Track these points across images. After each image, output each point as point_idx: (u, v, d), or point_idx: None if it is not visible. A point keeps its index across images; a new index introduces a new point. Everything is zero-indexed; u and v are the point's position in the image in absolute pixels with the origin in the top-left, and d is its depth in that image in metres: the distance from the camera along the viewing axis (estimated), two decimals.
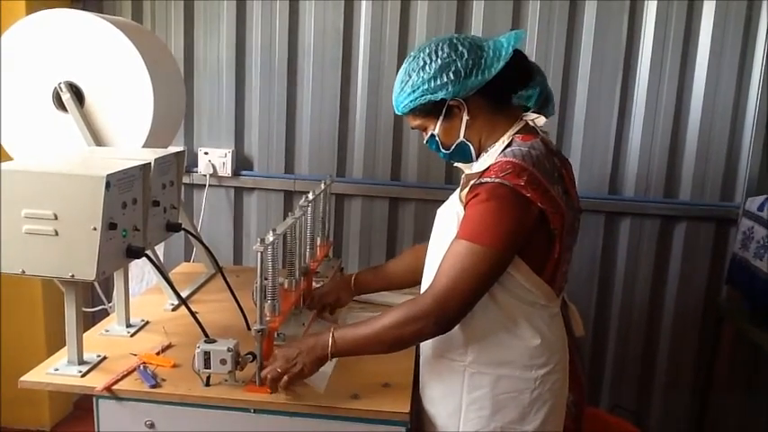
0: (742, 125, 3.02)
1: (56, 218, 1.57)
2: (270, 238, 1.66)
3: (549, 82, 1.72)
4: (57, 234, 1.58)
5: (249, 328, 1.74)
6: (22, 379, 1.69)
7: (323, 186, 2.33)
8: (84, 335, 1.83)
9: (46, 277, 1.67)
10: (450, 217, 1.64)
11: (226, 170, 3.26)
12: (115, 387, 1.66)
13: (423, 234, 2.79)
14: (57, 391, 1.74)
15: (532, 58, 2.98)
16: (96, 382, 1.67)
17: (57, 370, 1.72)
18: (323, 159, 3.24)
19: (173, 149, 2.06)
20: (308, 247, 2.13)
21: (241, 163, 3.31)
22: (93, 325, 2.08)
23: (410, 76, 1.63)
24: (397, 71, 3.12)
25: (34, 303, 3.11)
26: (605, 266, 3.19)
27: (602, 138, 3.08)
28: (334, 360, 1.82)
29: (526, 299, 1.59)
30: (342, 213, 3.28)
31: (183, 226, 2.04)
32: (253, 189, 3.32)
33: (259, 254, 1.62)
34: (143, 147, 2.24)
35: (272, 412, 1.63)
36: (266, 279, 1.68)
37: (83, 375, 1.71)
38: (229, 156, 3.25)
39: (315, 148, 3.24)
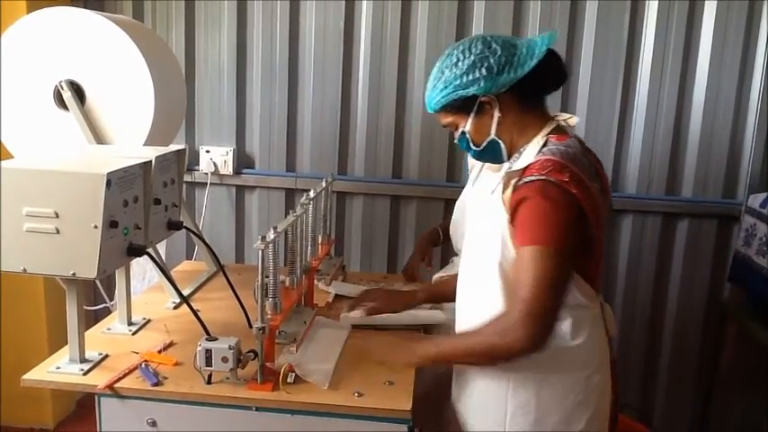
0: (744, 122, 3.02)
1: (57, 216, 1.57)
2: (271, 235, 1.66)
3: None
4: (58, 232, 1.57)
5: (251, 326, 1.74)
6: (24, 377, 1.69)
7: (324, 184, 2.32)
8: (86, 333, 1.83)
9: (47, 275, 1.67)
10: (490, 219, 1.60)
11: (227, 168, 3.26)
12: (117, 385, 1.65)
13: (424, 231, 2.80)
14: (59, 390, 1.74)
15: None
16: (98, 380, 1.66)
17: (59, 368, 1.72)
18: (324, 157, 3.24)
19: (174, 147, 2.06)
20: (309, 245, 2.13)
21: (242, 161, 3.31)
22: (95, 323, 2.08)
23: (443, 73, 1.63)
24: (398, 69, 3.17)
25: (36, 302, 3.11)
26: (607, 264, 3.18)
27: (605, 135, 3.08)
28: (336, 357, 1.83)
29: (569, 301, 1.55)
30: (343, 211, 3.28)
31: (184, 224, 2.04)
32: (254, 187, 3.32)
33: (260, 252, 1.62)
34: (144, 145, 2.24)
35: (274, 410, 1.63)
36: (267, 277, 1.67)
37: (85, 374, 1.71)
38: (231, 154, 3.25)
39: (316, 146, 3.24)
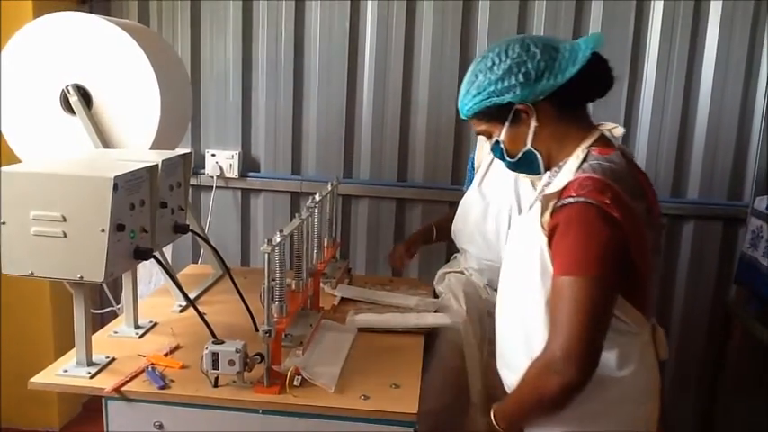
0: (750, 124, 3.02)
1: (64, 220, 1.57)
2: (277, 239, 1.66)
3: None
4: (65, 236, 1.58)
5: (257, 330, 1.74)
6: (31, 380, 1.70)
7: (329, 188, 2.33)
8: (93, 336, 1.83)
9: (54, 279, 1.68)
10: (528, 244, 1.49)
11: (233, 172, 3.27)
12: (124, 388, 1.66)
13: None
14: (66, 393, 1.74)
15: None
16: (105, 383, 1.67)
17: (66, 371, 1.73)
18: (330, 161, 3.24)
19: (180, 151, 2.06)
20: (315, 248, 2.13)
21: (248, 164, 3.31)
22: (102, 326, 2.08)
23: (477, 77, 1.53)
24: (404, 72, 3.18)
25: (43, 305, 3.12)
26: None
27: None
28: (343, 360, 1.83)
29: (616, 327, 1.44)
30: (349, 214, 3.28)
31: (190, 227, 2.04)
32: (260, 191, 3.32)
33: (266, 255, 1.62)
34: (150, 149, 2.25)
35: (280, 413, 1.63)
36: (274, 280, 1.68)
37: (92, 377, 1.71)
38: (236, 157, 3.26)
39: (321, 149, 3.25)
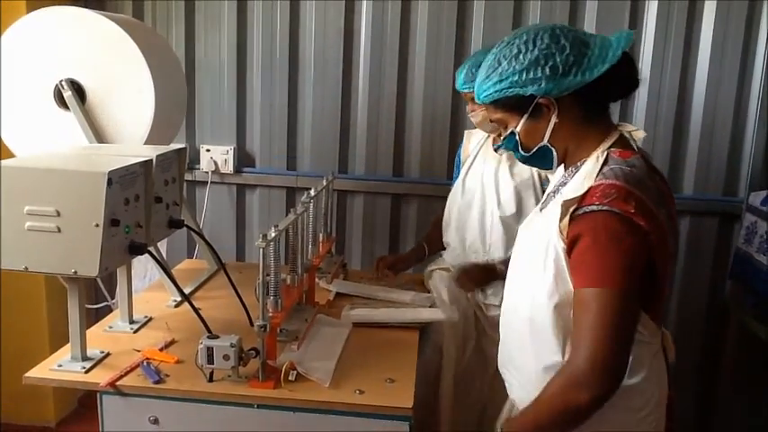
0: (744, 120, 3.02)
1: (58, 214, 1.57)
2: (272, 233, 1.66)
3: None
4: (59, 231, 1.58)
5: (252, 324, 1.74)
6: (26, 375, 1.70)
7: (325, 183, 2.33)
8: (88, 331, 1.84)
9: (49, 274, 1.67)
10: (542, 247, 1.43)
11: (228, 167, 3.26)
12: (119, 383, 1.66)
13: (425, 230, 2.81)
14: (61, 388, 1.74)
15: None
16: (100, 378, 1.67)
17: (60, 366, 1.73)
18: (325, 156, 3.24)
19: (174, 146, 2.06)
20: (310, 243, 2.13)
21: (243, 160, 3.31)
22: (97, 321, 2.08)
23: (500, 63, 1.44)
24: (399, 68, 3.17)
25: (37, 300, 3.11)
26: None
27: None
28: (338, 355, 1.83)
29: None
30: (344, 210, 3.29)
31: (185, 222, 2.04)
32: (255, 186, 3.32)
33: (261, 249, 1.62)
34: (145, 144, 2.24)
35: (275, 407, 1.63)
36: (269, 275, 1.68)
37: (86, 371, 1.71)
38: (231, 153, 3.25)
39: (317, 144, 3.24)
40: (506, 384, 1.62)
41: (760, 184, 2.92)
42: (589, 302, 1.32)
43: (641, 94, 3.04)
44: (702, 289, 3.16)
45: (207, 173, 3.27)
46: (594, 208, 1.32)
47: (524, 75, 1.41)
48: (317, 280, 2.26)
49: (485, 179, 2.37)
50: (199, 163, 3.28)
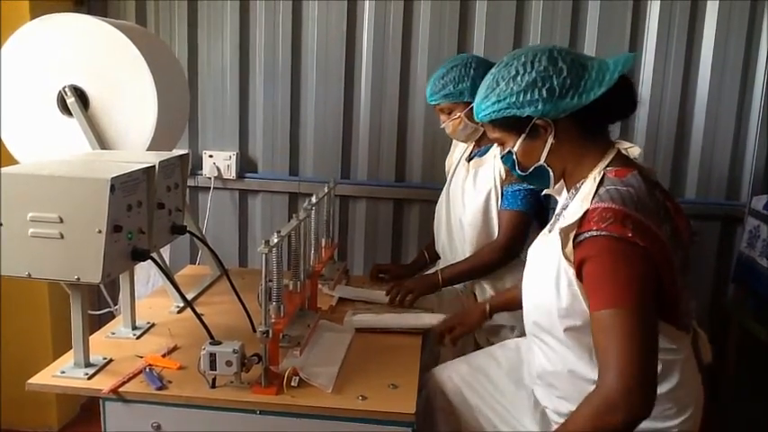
0: (747, 123, 3.02)
1: (61, 221, 1.57)
2: (275, 239, 1.66)
3: None
4: (62, 237, 1.58)
5: (254, 330, 1.74)
6: (29, 382, 1.69)
7: (327, 189, 2.33)
8: (91, 337, 1.83)
9: (52, 280, 1.67)
10: (550, 272, 1.47)
11: (230, 173, 3.27)
12: (121, 389, 1.66)
13: (427, 235, 2.81)
14: (63, 394, 1.74)
15: None
16: (103, 384, 1.67)
17: (63, 372, 1.72)
18: (327, 161, 3.25)
19: (177, 152, 2.06)
20: (312, 248, 2.13)
21: (245, 165, 3.31)
22: (100, 327, 2.08)
23: (498, 84, 1.48)
24: (401, 72, 3.18)
25: (40, 306, 3.11)
26: None
27: None
28: (340, 360, 1.83)
29: None
30: (346, 215, 3.29)
31: (188, 228, 2.04)
32: (257, 191, 3.32)
33: (264, 256, 1.62)
34: (147, 150, 2.25)
35: (278, 414, 1.63)
36: (271, 281, 1.68)
37: (89, 378, 1.71)
38: (234, 158, 3.25)
39: (319, 150, 3.25)
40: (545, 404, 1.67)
41: (763, 188, 2.91)
42: (608, 324, 1.33)
43: (643, 98, 3.03)
44: (705, 293, 3.15)
45: (209, 178, 3.27)
46: (594, 233, 1.35)
47: (522, 96, 1.44)
48: (319, 286, 2.26)
49: (453, 188, 2.44)
50: (201, 169, 3.28)
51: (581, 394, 1.41)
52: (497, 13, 3.04)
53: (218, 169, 3.26)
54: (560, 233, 1.43)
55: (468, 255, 2.35)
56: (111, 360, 1.81)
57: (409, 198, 3.23)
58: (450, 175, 2.50)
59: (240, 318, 1.93)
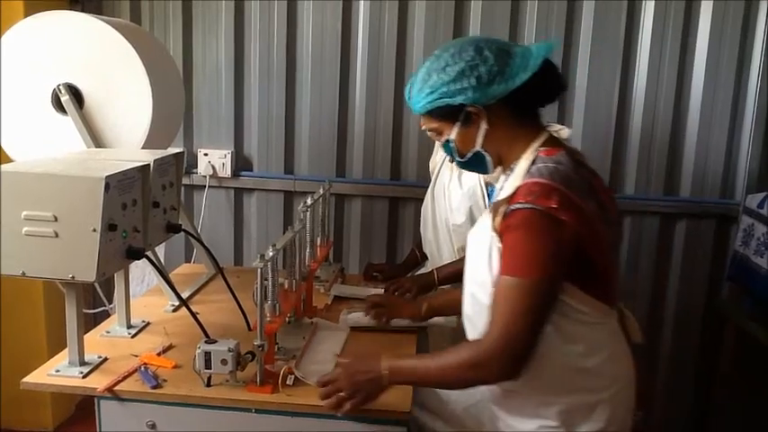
0: (741, 122, 3.03)
1: (56, 219, 1.57)
2: (269, 253, 1.66)
3: None
4: (57, 235, 1.58)
5: (250, 329, 1.74)
6: (24, 380, 1.70)
7: (322, 191, 2.33)
8: (86, 336, 1.83)
9: (46, 279, 1.68)
10: (482, 244, 1.54)
11: (225, 171, 3.26)
12: (116, 388, 1.66)
13: None
14: (59, 393, 1.74)
15: None
16: (98, 383, 1.67)
17: (58, 371, 1.72)
18: (322, 160, 3.24)
19: (172, 150, 2.06)
20: (308, 247, 2.13)
21: (241, 164, 3.31)
22: (95, 326, 2.08)
23: (430, 76, 1.56)
24: (396, 71, 3.17)
25: (35, 305, 3.11)
26: None
27: (602, 136, 3.08)
28: (335, 358, 1.83)
29: (582, 320, 1.50)
30: (342, 214, 3.28)
31: (183, 227, 2.04)
32: (252, 190, 3.32)
33: (259, 269, 1.62)
34: (142, 148, 2.24)
35: (273, 412, 1.63)
36: (266, 280, 1.68)
37: (84, 376, 1.71)
38: (229, 157, 3.25)
39: (314, 148, 3.24)
40: None
41: (757, 187, 2.92)
42: (506, 290, 1.43)
43: (638, 96, 3.04)
44: (700, 291, 3.16)
45: (204, 177, 3.26)
46: (519, 206, 1.42)
47: (452, 85, 1.52)
48: (315, 286, 2.26)
49: (437, 189, 2.44)
50: (196, 167, 3.28)
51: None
52: (492, 13, 3.04)
53: (214, 168, 3.26)
54: (491, 208, 1.53)
55: (456, 255, 2.35)
56: (106, 359, 1.81)
57: (405, 196, 3.23)
58: (434, 176, 2.50)
59: (235, 316, 1.93)
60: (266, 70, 3.20)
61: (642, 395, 1.69)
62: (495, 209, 1.50)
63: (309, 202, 2.10)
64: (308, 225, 2.10)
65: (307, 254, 2.12)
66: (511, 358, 1.42)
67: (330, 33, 3.14)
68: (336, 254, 3.23)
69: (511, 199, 1.45)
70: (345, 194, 3.25)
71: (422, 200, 3.00)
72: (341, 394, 1.56)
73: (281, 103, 3.22)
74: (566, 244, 1.41)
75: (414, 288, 2.30)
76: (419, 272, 2.61)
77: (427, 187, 2.52)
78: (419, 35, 3.09)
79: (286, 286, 1.93)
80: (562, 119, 3.06)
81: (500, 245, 1.48)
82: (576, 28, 3.03)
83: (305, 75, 3.19)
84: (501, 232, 1.47)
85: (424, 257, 2.64)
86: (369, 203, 3.26)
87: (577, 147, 3.01)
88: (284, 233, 1.89)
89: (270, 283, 1.70)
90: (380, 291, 2.37)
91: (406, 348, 1.96)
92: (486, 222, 1.55)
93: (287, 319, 1.98)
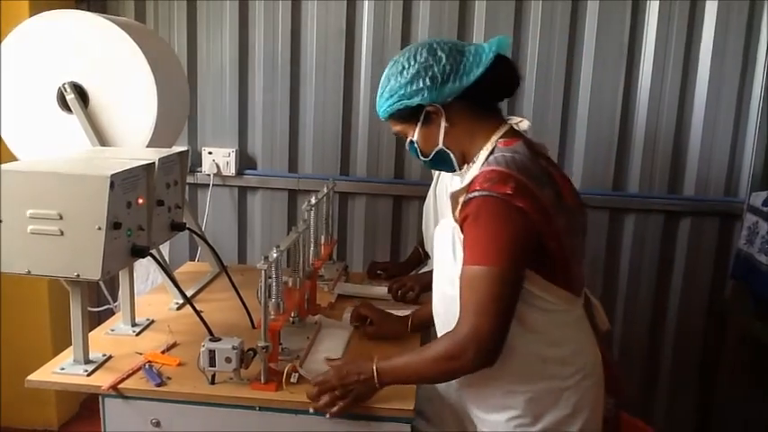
0: (746, 120, 3.03)
1: (61, 218, 1.58)
2: (273, 254, 1.66)
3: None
4: (62, 234, 1.58)
5: (254, 327, 1.75)
6: (28, 378, 1.70)
7: (325, 189, 2.33)
8: (90, 334, 1.84)
9: (51, 277, 1.68)
10: (446, 239, 1.58)
11: (230, 169, 3.27)
12: (121, 386, 1.66)
13: None
14: (64, 391, 1.75)
15: (534, 58, 3.02)
16: (102, 381, 1.67)
17: (63, 369, 1.73)
18: (326, 158, 3.25)
19: (176, 149, 2.07)
20: (311, 246, 2.14)
21: (245, 162, 3.31)
22: (99, 324, 2.08)
23: (389, 81, 1.61)
24: None
25: (40, 303, 3.12)
26: (609, 263, 3.19)
27: (606, 134, 3.08)
28: (339, 357, 1.84)
29: (544, 308, 1.52)
30: (346, 212, 3.29)
31: (187, 225, 2.05)
32: (257, 188, 3.32)
33: (263, 271, 1.62)
34: (147, 147, 2.25)
35: (277, 410, 1.64)
36: (270, 278, 1.68)
37: (89, 374, 1.71)
38: (233, 155, 3.26)
39: (318, 146, 3.25)
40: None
41: (761, 185, 2.92)
42: (473, 279, 1.44)
43: (642, 95, 3.04)
44: (703, 289, 3.16)
45: (209, 175, 3.27)
46: (476, 194, 1.45)
47: (409, 87, 1.56)
48: (319, 284, 2.27)
49: (440, 188, 2.45)
50: (201, 165, 3.28)
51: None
52: (496, 13, 3.04)
53: (218, 166, 3.26)
54: (451, 197, 1.55)
55: None
56: (110, 357, 1.81)
57: (408, 194, 3.23)
58: (436, 175, 2.50)
59: (239, 314, 1.93)
60: (270, 68, 3.20)
61: (617, 382, 1.69)
62: (454, 199, 1.53)
63: (313, 200, 2.10)
64: (311, 224, 2.10)
65: (311, 252, 2.13)
66: (485, 345, 1.44)
67: (334, 31, 3.14)
68: (340, 252, 3.24)
69: (468, 188, 1.49)
70: (349, 193, 3.25)
71: (425, 198, 3.01)
72: (332, 393, 1.57)
73: (286, 101, 3.22)
74: (524, 230, 1.44)
75: (416, 286, 2.30)
76: (422, 270, 2.61)
77: (430, 186, 2.52)
78: (423, 35, 3.09)
79: (290, 284, 1.93)
80: (566, 117, 3.06)
81: (461, 235, 1.50)
82: (579, 28, 3.03)
83: (309, 73, 3.19)
84: (461, 222, 1.49)
85: (427, 256, 2.64)
86: (372, 202, 3.26)
87: (582, 145, 3.07)
88: (288, 232, 1.89)
89: (274, 282, 1.70)
90: (384, 289, 2.38)
91: (410, 345, 1.96)
92: (449, 216, 1.58)
93: (291, 319, 1.98)
